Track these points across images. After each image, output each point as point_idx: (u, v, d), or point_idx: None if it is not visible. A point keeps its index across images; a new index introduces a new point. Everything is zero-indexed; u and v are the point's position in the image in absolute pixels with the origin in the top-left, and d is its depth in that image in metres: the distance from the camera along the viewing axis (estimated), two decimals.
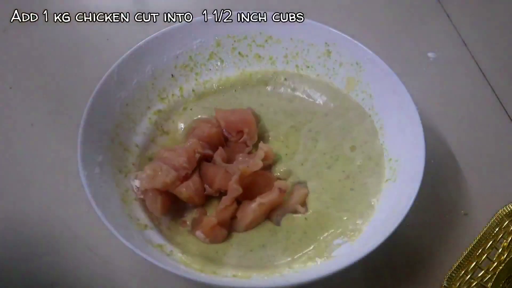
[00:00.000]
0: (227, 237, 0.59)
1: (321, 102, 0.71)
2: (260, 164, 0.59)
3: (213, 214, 0.59)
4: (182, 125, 0.69)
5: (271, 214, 0.60)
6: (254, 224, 0.59)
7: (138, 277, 0.59)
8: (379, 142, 0.65)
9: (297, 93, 0.72)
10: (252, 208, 0.57)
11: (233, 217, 0.59)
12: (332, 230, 0.58)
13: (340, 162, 0.65)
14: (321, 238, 0.58)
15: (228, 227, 0.59)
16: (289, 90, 0.73)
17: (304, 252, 0.57)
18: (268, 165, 0.64)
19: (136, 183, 0.59)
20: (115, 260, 0.59)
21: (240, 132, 0.65)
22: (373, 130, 0.67)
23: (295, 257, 0.57)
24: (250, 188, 0.59)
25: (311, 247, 0.57)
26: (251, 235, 0.59)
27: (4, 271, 0.59)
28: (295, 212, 0.60)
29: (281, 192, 0.59)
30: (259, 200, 0.58)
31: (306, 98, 0.72)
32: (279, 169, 0.64)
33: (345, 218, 0.59)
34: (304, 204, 0.61)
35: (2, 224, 0.63)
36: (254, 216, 0.57)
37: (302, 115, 0.70)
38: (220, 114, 0.66)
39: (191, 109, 0.70)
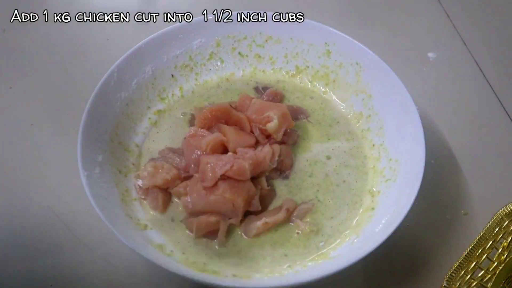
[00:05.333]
0: (227, 237, 0.58)
1: None
2: (281, 218, 0.58)
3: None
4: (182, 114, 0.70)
5: None
6: (255, 236, 0.58)
7: (138, 277, 0.59)
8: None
9: None
10: (257, 225, 0.57)
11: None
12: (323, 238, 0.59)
13: (318, 166, 0.65)
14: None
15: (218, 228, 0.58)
16: None
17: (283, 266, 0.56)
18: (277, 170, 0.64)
19: (139, 182, 0.60)
20: (115, 260, 0.59)
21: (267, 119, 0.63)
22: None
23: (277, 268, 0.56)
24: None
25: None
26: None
27: (4, 271, 0.59)
28: (294, 223, 0.60)
29: (288, 212, 0.59)
30: (264, 219, 0.58)
31: None
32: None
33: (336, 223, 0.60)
34: (303, 218, 0.60)
35: (2, 224, 0.63)
36: (256, 232, 0.58)
37: None
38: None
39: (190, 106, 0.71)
